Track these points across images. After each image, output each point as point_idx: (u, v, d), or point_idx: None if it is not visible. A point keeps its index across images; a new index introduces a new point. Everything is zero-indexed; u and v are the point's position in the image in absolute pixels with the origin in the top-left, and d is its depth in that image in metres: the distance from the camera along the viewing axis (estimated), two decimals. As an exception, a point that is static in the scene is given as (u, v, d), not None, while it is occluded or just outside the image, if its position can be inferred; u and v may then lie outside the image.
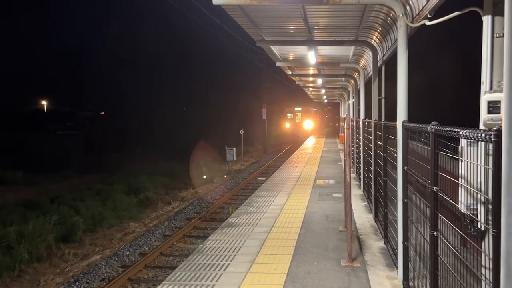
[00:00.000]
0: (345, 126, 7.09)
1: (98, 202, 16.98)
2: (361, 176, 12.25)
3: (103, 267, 10.16)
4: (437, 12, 5.00)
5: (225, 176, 24.84)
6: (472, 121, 3.98)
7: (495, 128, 2.33)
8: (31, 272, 10.38)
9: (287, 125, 46.82)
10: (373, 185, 8.74)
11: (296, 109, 47.87)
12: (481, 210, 3.36)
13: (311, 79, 22.96)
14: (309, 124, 47.30)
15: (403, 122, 5.13)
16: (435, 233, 3.67)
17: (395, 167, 5.73)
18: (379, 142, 7.85)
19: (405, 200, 4.98)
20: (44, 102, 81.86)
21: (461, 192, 3.45)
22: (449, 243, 3.39)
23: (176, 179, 23.96)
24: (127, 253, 11.17)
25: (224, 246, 7.13)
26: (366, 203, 10.43)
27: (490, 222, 2.57)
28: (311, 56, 12.60)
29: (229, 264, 6.27)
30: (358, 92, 15.34)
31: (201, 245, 7.28)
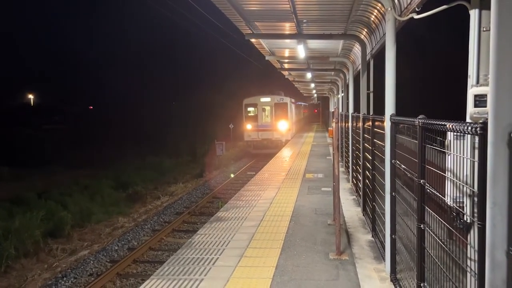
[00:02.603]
0: (334, 120, 7.10)
1: (86, 197, 16.86)
2: (350, 170, 12.31)
3: (92, 262, 10.09)
4: (425, 5, 5.02)
5: (214, 170, 24.80)
6: (460, 115, 4.01)
7: (481, 121, 2.34)
8: (18, 268, 10.28)
9: (248, 126, 28.50)
10: (361, 178, 8.79)
11: (263, 99, 29.00)
12: (467, 202, 3.39)
13: (300, 73, 22.96)
14: (284, 125, 28.90)
15: (391, 115, 5.14)
16: (422, 226, 3.70)
17: (383, 161, 5.76)
18: (367, 136, 7.88)
19: (393, 194, 5.01)
20: (30, 96, 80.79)
21: (448, 185, 3.47)
22: (436, 236, 3.42)
23: (165, 173, 23.88)
24: (116, 248, 11.10)
25: (213, 240, 7.12)
26: (354, 197, 10.49)
27: (475, 215, 2.59)
28: (301, 50, 12.58)
29: (218, 258, 6.26)
30: (347, 86, 15.38)
31: (190, 240, 7.26)
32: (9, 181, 21.63)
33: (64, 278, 9.21)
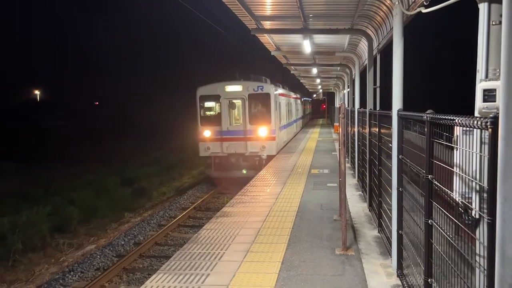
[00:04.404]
0: (340, 116, 7.07)
1: (92, 192, 16.94)
2: (356, 166, 12.28)
3: (98, 256, 10.15)
4: (433, -1, 4.96)
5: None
6: (464, 111, 3.97)
7: (491, 115, 2.32)
8: (26, 262, 10.36)
9: (206, 133, 17.97)
10: (367, 174, 8.76)
11: (230, 88, 18.15)
12: (475, 198, 3.36)
13: (306, 68, 22.88)
14: (265, 131, 17.92)
15: (398, 111, 5.11)
16: (429, 221, 3.68)
17: (389, 156, 5.74)
18: (374, 131, 7.85)
19: (400, 189, 4.99)
20: (37, 92, 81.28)
21: (456, 181, 3.45)
22: (444, 231, 3.40)
23: (171, 169, 23.93)
24: (122, 242, 11.16)
25: (219, 235, 7.13)
26: (360, 192, 10.47)
27: (484, 210, 2.57)
28: (306, 45, 12.53)
29: (224, 253, 6.27)
30: (353, 81, 15.31)
31: (196, 235, 7.28)
32: (15, 176, 21.75)
33: (71, 273, 9.27)
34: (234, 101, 17.98)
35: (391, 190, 5.45)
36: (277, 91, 19.63)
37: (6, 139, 34.03)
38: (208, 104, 18.23)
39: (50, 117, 55.77)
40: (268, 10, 9.61)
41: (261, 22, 10.54)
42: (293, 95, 28.97)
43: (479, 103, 3.61)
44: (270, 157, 17.71)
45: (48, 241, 11.59)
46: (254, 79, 19.02)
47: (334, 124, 33.09)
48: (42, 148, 30.96)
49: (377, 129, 7.26)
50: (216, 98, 17.84)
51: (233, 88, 17.91)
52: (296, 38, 12.79)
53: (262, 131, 17.73)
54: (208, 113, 18.29)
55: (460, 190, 3.41)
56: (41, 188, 17.12)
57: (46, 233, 11.71)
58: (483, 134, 3.03)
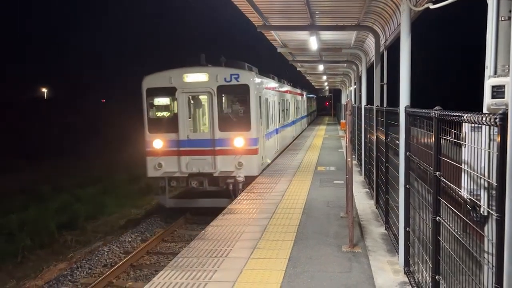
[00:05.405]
0: (347, 113, 7.04)
1: (99, 189, 17.05)
2: (363, 163, 12.24)
3: (105, 253, 10.22)
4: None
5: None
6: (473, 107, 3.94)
7: (500, 112, 2.30)
8: (34, 258, 10.47)
9: (156, 143, 12.56)
10: (374, 171, 8.73)
11: (191, 77, 12.43)
12: (484, 195, 3.34)
13: (312, 65, 22.80)
14: (242, 141, 12.37)
15: (405, 107, 5.09)
16: (437, 218, 3.66)
17: (397, 153, 5.71)
18: (381, 128, 7.81)
19: (407, 186, 4.97)
20: (44, 90, 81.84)
21: (464, 178, 3.43)
22: (451, 229, 3.38)
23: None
24: (129, 239, 11.23)
25: (226, 232, 7.15)
26: (367, 190, 10.44)
27: (493, 207, 2.55)
28: (313, 42, 12.48)
29: (230, 250, 6.29)
30: (360, 78, 15.25)
31: (203, 232, 7.31)
32: (22, 173, 21.95)
33: (79, 269, 9.35)
34: (197, 95, 12.83)
35: (398, 187, 5.43)
36: (261, 82, 14.24)
37: (15, 136, 34.30)
38: (159, 100, 12.92)
39: (57, 115, 56.08)
40: (274, 7, 9.58)
41: (268, 19, 10.51)
42: (292, 89, 24.05)
43: (487, 99, 3.57)
44: (250, 179, 12.23)
45: (56, 237, 11.71)
46: (227, 64, 13.40)
47: (341, 121, 32.98)
48: (49, 145, 31.16)
49: (384, 126, 7.23)
50: (170, 91, 12.53)
51: (195, 77, 12.50)
52: (302, 35, 12.73)
53: (238, 140, 12.42)
54: (159, 114, 12.99)
55: (468, 187, 3.39)
56: (48, 185, 17.25)
57: (54, 229, 11.83)
58: (491, 130, 3.01)
